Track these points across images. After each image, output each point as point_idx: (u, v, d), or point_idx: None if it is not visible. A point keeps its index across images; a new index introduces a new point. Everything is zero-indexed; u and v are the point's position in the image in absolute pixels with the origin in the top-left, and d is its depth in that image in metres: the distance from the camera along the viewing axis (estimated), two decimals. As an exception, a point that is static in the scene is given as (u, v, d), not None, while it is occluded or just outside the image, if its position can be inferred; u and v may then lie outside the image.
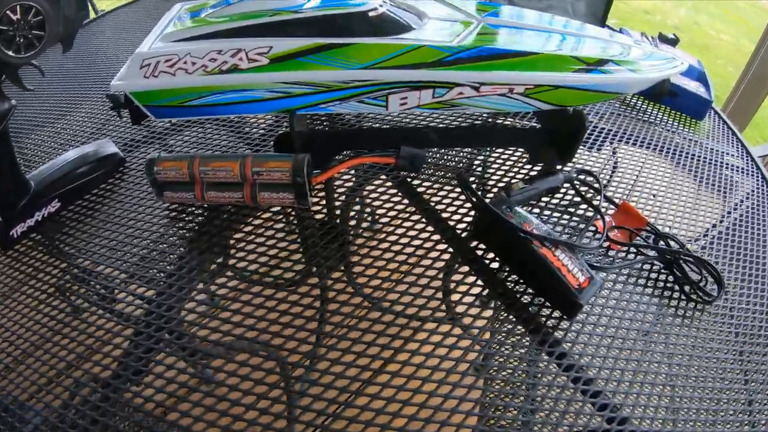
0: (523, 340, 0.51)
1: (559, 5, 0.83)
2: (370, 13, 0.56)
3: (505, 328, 0.51)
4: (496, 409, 0.46)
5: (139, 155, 0.74)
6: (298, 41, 0.55)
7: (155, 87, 0.57)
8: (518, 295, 0.53)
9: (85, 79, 1.00)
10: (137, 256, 0.58)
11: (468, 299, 0.53)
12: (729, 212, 0.70)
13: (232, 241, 0.58)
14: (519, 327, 0.51)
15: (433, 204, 0.59)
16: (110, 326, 0.52)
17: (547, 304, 0.53)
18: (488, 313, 0.53)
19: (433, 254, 0.55)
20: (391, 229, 0.57)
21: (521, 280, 0.54)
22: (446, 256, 0.55)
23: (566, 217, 0.60)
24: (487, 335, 0.51)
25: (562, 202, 0.61)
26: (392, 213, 0.58)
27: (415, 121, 0.71)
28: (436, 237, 0.56)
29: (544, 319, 0.51)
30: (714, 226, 0.66)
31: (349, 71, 0.54)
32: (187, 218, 0.62)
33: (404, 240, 0.56)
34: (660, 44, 0.81)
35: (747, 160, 0.82)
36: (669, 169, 0.73)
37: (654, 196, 0.64)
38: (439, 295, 0.52)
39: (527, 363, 0.48)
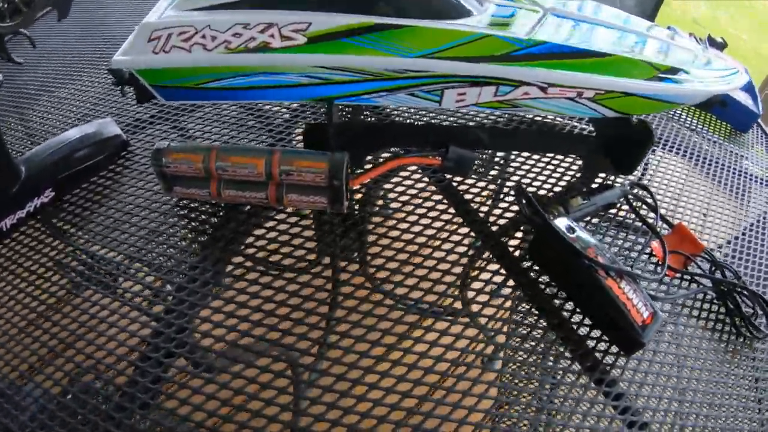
0: (580, 380, 0.46)
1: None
2: None
3: (561, 366, 0.46)
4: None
5: (144, 137, 0.64)
6: (343, 18, 0.46)
7: (166, 64, 0.48)
8: (574, 326, 0.48)
9: (84, 45, 0.88)
10: (144, 264, 0.50)
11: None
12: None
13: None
14: (575, 365, 0.47)
15: (481, 214, 0.53)
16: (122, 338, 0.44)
17: (605, 337, 0.48)
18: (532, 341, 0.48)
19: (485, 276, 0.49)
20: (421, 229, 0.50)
21: (577, 309, 0.49)
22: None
23: (614, 231, 0.55)
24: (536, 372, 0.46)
25: (614, 217, 0.56)
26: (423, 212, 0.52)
27: (451, 117, 0.63)
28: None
29: (600, 354, 0.47)
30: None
31: (404, 59, 0.46)
32: (200, 217, 0.53)
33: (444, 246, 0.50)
34: (709, 48, 0.76)
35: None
36: (712, 185, 0.69)
37: (705, 215, 0.60)
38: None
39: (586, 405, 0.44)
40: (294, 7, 0.47)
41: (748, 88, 0.80)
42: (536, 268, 0.50)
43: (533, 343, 0.46)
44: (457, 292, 0.49)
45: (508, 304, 0.49)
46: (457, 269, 0.49)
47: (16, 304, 0.49)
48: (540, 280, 0.50)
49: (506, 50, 0.47)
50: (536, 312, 0.49)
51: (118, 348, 0.45)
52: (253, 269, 0.48)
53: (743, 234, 0.63)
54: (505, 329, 0.47)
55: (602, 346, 0.47)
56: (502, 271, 0.49)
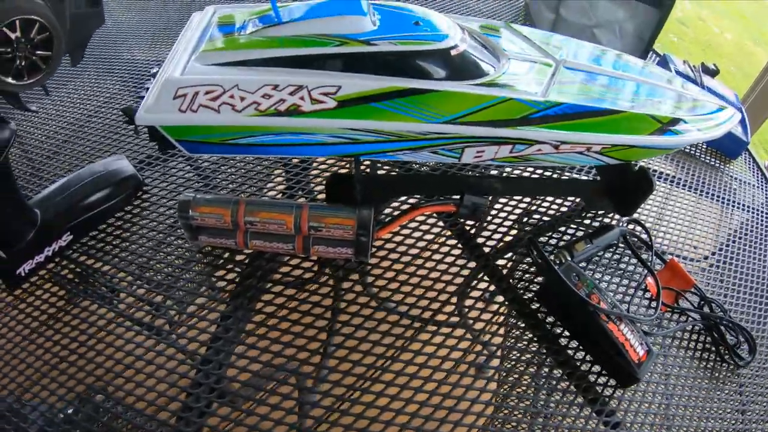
0: (582, 412, 0.52)
1: (607, 26, 0.79)
2: (452, 51, 0.50)
3: (567, 400, 0.52)
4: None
5: (156, 174, 0.63)
6: (371, 81, 0.47)
7: (194, 123, 0.48)
8: (578, 363, 0.53)
9: (91, 81, 0.84)
10: (166, 309, 0.51)
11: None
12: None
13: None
14: (578, 398, 0.52)
15: (491, 257, 0.56)
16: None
17: (604, 372, 0.54)
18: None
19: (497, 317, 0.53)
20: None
21: (580, 346, 0.54)
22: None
23: (612, 269, 0.60)
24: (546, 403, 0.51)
25: (612, 254, 0.61)
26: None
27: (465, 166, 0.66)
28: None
29: (600, 387, 0.52)
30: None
31: (431, 125, 0.48)
32: (226, 265, 0.55)
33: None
34: (703, 75, 0.79)
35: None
36: (710, 213, 0.74)
37: (695, 247, 0.66)
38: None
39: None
40: (322, 68, 0.48)
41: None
42: (544, 309, 0.55)
43: (542, 381, 0.51)
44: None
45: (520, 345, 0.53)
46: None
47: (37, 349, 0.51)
48: (547, 320, 0.55)
49: (525, 113, 0.49)
50: (544, 351, 0.53)
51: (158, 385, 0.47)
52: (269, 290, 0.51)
53: (724, 260, 0.69)
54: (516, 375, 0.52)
55: (602, 379, 0.53)
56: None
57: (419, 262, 0.55)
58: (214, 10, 0.56)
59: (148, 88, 0.55)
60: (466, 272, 0.56)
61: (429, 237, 0.57)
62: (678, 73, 0.74)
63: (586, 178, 0.66)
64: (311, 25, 0.49)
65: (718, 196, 0.79)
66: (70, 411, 0.47)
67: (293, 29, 0.49)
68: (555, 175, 0.66)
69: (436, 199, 0.55)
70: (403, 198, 0.58)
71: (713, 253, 0.69)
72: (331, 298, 0.53)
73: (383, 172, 0.61)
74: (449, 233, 0.59)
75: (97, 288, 0.56)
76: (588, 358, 0.53)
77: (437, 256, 0.56)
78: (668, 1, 0.76)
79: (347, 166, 0.63)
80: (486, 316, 0.53)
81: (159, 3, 1.06)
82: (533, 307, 0.55)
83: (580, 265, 0.58)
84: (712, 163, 0.85)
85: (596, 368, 0.53)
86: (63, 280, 0.57)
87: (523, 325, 0.54)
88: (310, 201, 0.53)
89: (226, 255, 0.56)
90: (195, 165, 0.66)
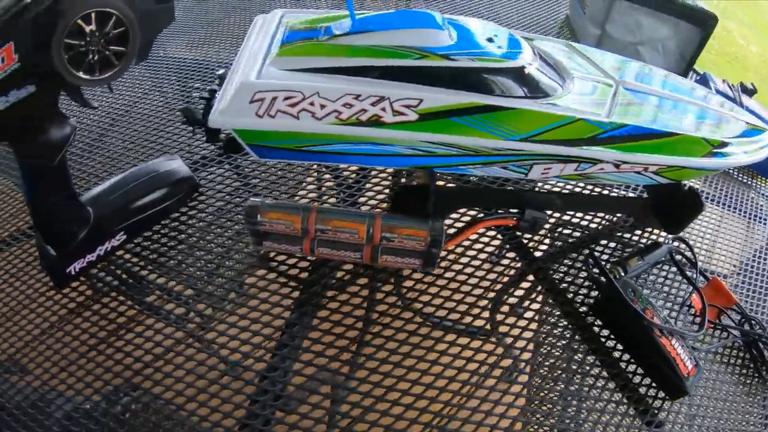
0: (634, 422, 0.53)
1: (650, 44, 0.80)
2: (525, 70, 0.50)
3: (620, 411, 0.53)
4: None
5: (208, 176, 0.62)
6: (452, 96, 0.48)
7: (270, 128, 0.48)
8: (630, 375, 0.55)
9: (145, 79, 0.83)
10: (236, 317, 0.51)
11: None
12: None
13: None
14: (630, 409, 0.53)
15: (550, 272, 0.57)
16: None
17: (654, 384, 0.55)
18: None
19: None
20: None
21: (631, 359, 0.56)
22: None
23: (659, 285, 0.62)
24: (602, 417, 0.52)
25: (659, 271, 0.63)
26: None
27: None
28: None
29: (649, 399, 0.54)
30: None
31: (507, 142, 0.49)
32: (288, 271, 0.54)
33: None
34: (741, 94, 0.82)
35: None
36: (743, 231, 0.76)
37: (735, 266, 0.68)
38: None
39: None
40: (403, 80, 0.48)
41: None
42: (599, 322, 0.56)
43: (598, 392, 0.53)
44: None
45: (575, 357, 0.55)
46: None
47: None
48: (602, 333, 0.56)
49: (593, 133, 0.50)
50: (598, 363, 0.55)
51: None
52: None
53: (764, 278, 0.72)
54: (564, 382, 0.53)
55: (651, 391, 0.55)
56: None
57: (478, 273, 0.56)
58: (282, 14, 0.56)
59: (212, 90, 0.55)
60: (518, 282, 0.57)
61: (485, 249, 0.58)
62: (718, 92, 0.76)
63: (634, 195, 0.68)
64: (390, 36, 0.49)
65: (756, 215, 0.82)
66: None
67: (371, 39, 0.49)
68: (605, 192, 0.68)
69: (497, 212, 0.56)
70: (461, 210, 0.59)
71: (754, 272, 0.71)
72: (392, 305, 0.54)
73: (440, 183, 0.61)
74: (497, 244, 0.60)
75: (146, 291, 0.55)
76: (639, 370, 0.55)
77: (474, 263, 0.57)
78: (711, 21, 0.78)
79: (408, 176, 0.64)
80: (534, 326, 0.55)
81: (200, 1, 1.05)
82: (588, 320, 0.56)
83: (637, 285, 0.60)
84: (746, 181, 0.88)
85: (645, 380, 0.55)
86: (113, 281, 0.56)
87: (578, 337, 0.55)
88: (382, 211, 0.53)
89: (290, 261, 0.56)
90: (248, 168, 0.65)
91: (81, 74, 0.45)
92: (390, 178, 0.66)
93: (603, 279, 0.55)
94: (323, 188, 0.66)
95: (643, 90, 0.58)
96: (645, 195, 0.63)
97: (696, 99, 0.60)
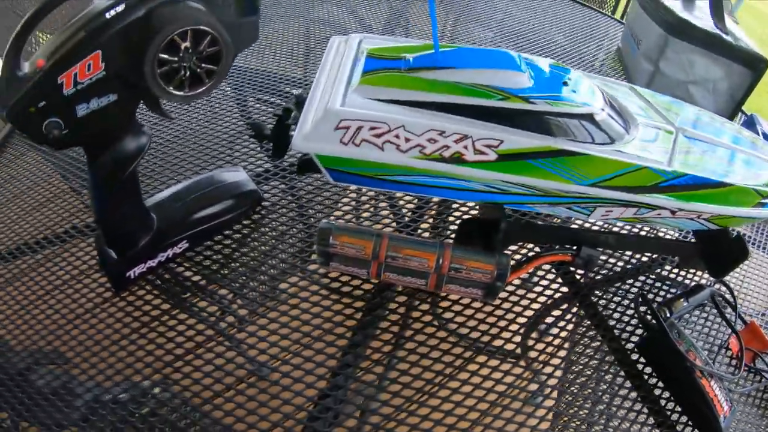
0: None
1: (703, 83, 0.82)
2: (597, 115, 0.52)
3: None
4: None
5: (269, 189, 0.64)
6: (529, 139, 0.49)
7: (353, 156, 0.49)
8: (668, 413, 0.57)
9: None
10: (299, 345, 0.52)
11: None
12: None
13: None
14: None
15: (600, 308, 0.59)
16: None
17: (690, 422, 0.58)
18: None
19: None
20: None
21: (670, 396, 0.58)
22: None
23: (699, 327, 0.64)
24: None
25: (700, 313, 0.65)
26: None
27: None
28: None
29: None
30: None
31: (579, 186, 0.50)
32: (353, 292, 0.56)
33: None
34: None
35: None
36: None
37: (762, 314, 0.71)
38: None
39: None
40: (485, 119, 0.49)
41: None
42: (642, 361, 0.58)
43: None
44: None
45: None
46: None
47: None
48: (645, 371, 0.58)
49: (655, 181, 0.52)
50: (639, 399, 0.57)
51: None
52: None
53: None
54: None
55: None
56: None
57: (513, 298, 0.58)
58: (360, 40, 0.57)
59: (288, 109, 0.56)
60: (569, 317, 0.59)
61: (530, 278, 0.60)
62: (765, 135, 0.78)
63: (682, 239, 0.70)
64: (472, 74, 0.51)
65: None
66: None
67: (454, 75, 0.51)
68: (655, 234, 0.70)
69: (553, 248, 0.58)
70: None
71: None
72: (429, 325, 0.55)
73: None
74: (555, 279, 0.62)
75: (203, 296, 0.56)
76: (677, 408, 0.57)
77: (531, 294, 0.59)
78: (762, 65, 0.80)
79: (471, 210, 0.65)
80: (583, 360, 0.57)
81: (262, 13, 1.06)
82: (633, 357, 0.58)
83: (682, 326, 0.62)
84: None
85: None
86: (167, 285, 0.57)
87: (623, 373, 0.57)
88: (449, 241, 0.55)
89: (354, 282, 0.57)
90: (292, 188, 0.67)
91: (171, 89, 0.46)
92: (446, 209, 0.68)
93: (650, 319, 0.58)
94: (383, 213, 0.67)
95: (699, 138, 0.60)
96: (692, 239, 0.65)
97: (747, 147, 0.62)
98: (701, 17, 0.85)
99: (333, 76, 0.53)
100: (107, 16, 0.43)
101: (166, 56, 0.44)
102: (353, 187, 0.67)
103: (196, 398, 0.49)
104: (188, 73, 0.46)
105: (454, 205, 0.68)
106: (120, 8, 0.43)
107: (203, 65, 0.46)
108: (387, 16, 1.11)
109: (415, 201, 0.68)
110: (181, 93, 0.47)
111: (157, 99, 0.50)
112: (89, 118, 0.45)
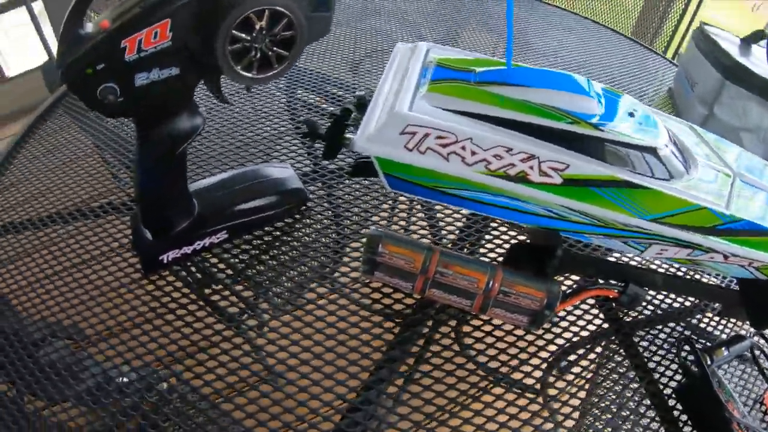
0: None
1: (756, 131, 0.82)
2: (661, 150, 0.51)
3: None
4: None
5: (317, 190, 0.62)
6: (596, 167, 0.48)
7: (416, 164, 0.48)
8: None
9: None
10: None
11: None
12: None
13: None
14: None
15: (641, 350, 0.58)
16: None
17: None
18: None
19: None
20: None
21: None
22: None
23: (737, 378, 0.62)
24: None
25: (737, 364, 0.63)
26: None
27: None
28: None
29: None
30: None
31: (639, 220, 0.49)
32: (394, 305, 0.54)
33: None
34: None
35: None
36: None
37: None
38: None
39: None
40: (553, 141, 0.48)
41: None
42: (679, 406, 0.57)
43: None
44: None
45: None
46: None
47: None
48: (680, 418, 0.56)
49: (713, 223, 0.51)
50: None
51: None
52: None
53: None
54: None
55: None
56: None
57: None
58: (428, 48, 0.56)
59: (347, 109, 0.55)
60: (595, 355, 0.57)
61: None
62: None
63: (726, 285, 0.69)
64: (543, 95, 0.49)
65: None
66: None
67: (525, 93, 0.49)
68: (702, 278, 0.69)
69: (598, 282, 0.56)
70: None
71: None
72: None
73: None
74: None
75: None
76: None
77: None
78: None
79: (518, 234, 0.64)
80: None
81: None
82: (670, 403, 0.57)
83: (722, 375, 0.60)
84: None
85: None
86: (195, 273, 0.55)
87: (658, 418, 0.56)
88: (502, 264, 0.53)
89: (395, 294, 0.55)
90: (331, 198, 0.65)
91: (239, 69, 0.44)
92: (484, 227, 0.66)
93: (692, 365, 0.56)
94: (432, 228, 0.66)
95: (756, 185, 0.59)
96: (736, 286, 0.64)
97: None
98: (758, 63, 0.84)
99: (399, 81, 0.52)
100: None
101: (240, 34, 0.42)
102: (394, 196, 0.66)
103: (207, 388, 0.47)
104: (259, 54, 0.44)
105: (492, 224, 0.67)
106: None
107: (275, 49, 0.45)
108: (440, 36, 1.11)
109: (454, 215, 0.66)
110: (249, 74, 0.45)
111: (218, 80, 0.49)
112: (147, 88, 0.44)
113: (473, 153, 0.47)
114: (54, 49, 1.06)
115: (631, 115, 0.52)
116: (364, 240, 0.51)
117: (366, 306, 0.55)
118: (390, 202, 0.66)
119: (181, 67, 0.45)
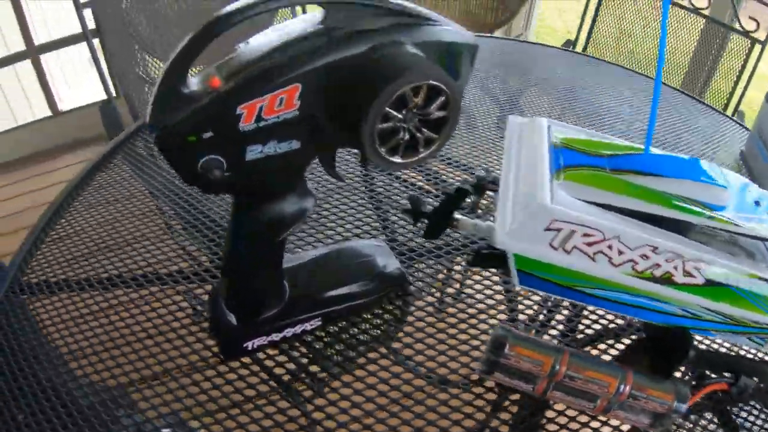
0: None
1: None
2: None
3: None
4: None
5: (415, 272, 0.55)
6: (735, 264, 0.46)
7: (560, 264, 0.43)
8: None
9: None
10: None
11: None
12: None
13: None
14: None
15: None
16: None
17: None
18: None
19: None
20: None
21: None
22: None
23: None
24: None
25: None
26: None
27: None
28: None
29: None
30: None
31: None
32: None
33: None
34: None
35: None
36: None
37: None
38: None
39: None
40: (688, 236, 0.45)
41: None
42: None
43: None
44: None
45: None
46: None
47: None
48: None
49: None
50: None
51: None
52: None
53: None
54: None
55: None
56: None
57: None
58: (548, 124, 0.51)
59: (462, 189, 0.49)
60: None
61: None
62: None
63: None
64: (681, 186, 0.46)
65: None
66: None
67: (662, 184, 0.46)
68: None
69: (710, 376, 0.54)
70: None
71: None
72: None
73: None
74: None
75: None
76: None
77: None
78: None
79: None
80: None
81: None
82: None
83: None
84: None
85: None
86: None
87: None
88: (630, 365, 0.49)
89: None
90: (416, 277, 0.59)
91: (383, 152, 0.38)
92: (575, 315, 0.62)
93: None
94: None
95: None
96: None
97: None
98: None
99: (528, 165, 0.47)
100: (327, 53, 0.35)
101: (394, 112, 0.36)
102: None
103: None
104: (407, 136, 0.38)
105: (584, 312, 0.62)
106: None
107: (424, 130, 0.39)
108: (505, 98, 1.05)
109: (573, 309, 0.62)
110: (396, 159, 0.39)
111: (333, 156, 0.42)
112: (258, 163, 0.37)
113: (620, 252, 0.43)
114: (111, 88, 0.94)
115: (757, 203, 0.51)
116: (483, 337, 0.46)
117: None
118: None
119: (302, 140, 0.38)
